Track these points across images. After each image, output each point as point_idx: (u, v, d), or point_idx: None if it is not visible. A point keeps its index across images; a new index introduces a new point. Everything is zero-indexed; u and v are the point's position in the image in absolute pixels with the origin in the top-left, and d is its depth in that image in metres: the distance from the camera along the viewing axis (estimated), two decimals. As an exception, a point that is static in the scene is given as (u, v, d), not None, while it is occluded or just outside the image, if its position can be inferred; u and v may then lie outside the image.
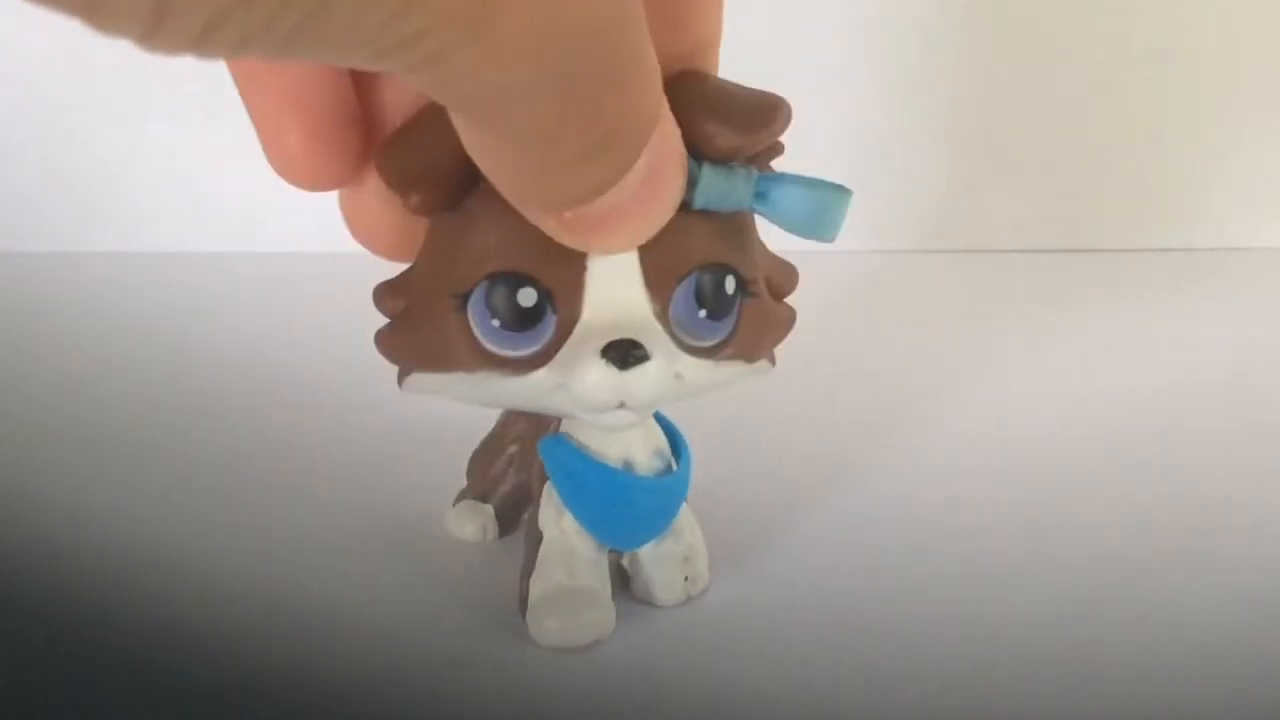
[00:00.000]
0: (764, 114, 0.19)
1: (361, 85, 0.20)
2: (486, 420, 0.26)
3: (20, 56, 0.53)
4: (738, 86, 0.19)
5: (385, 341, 0.20)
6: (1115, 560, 0.25)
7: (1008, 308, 0.45)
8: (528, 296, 0.19)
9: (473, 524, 0.25)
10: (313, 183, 0.20)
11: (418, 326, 0.20)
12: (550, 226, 0.18)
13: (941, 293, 0.48)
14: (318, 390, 0.35)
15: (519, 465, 0.25)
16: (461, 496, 0.26)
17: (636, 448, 0.21)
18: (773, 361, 0.21)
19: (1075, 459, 0.30)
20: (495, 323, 0.19)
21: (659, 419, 0.22)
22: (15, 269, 0.51)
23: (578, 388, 0.18)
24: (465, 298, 0.19)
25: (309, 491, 0.28)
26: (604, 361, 0.18)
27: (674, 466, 0.22)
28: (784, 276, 0.21)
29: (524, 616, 0.21)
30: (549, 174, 0.16)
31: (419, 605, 0.23)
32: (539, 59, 0.14)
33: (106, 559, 0.25)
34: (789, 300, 0.21)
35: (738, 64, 0.20)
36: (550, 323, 0.19)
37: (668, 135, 0.18)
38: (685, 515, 0.23)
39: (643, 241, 0.18)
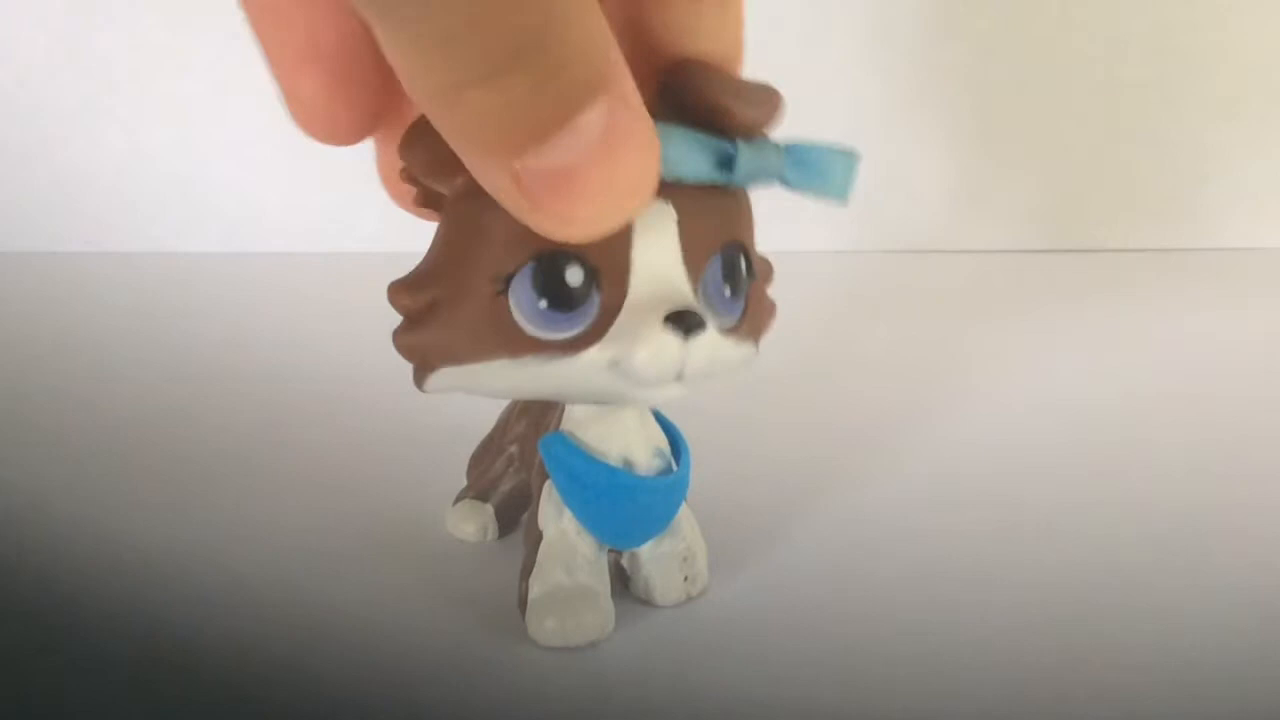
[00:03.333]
0: (769, 93, 0.19)
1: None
2: (485, 420, 0.26)
3: (21, 57, 0.53)
4: (733, 74, 0.20)
5: (408, 339, 0.20)
6: (1114, 562, 0.25)
7: (1006, 308, 0.45)
8: (575, 275, 0.18)
9: (472, 524, 0.25)
10: (330, 133, 0.20)
11: (449, 318, 0.19)
12: (506, 190, 0.17)
13: (940, 293, 0.48)
14: (317, 390, 0.35)
15: (519, 465, 0.25)
16: (461, 496, 0.26)
17: (636, 447, 0.21)
18: (758, 349, 0.22)
19: (1074, 460, 0.30)
20: (543, 303, 0.18)
21: (658, 419, 0.22)
22: (16, 269, 0.51)
23: (640, 358, 0.18)
24: (507, 282, 0.18)
25: (308, 491, 0.28)
26: (667, 330, 0.18)
27: (674, 466, 0.22)
28: (766, 267, 0.22)
29: (523, 616, 0.21)
30: (461, 88, 0.16)
31: (417, 605, 0.23)
32: None
33: (106, 559, 0.25)
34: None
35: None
36: (595, 301, 0.19)
37: (629, 103, 0.17)
38: (685, 515, 0.23)
39: (616, 222, 0.17)
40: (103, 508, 0.27)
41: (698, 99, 0.19)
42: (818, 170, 0.20)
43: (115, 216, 0.54)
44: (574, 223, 0.17)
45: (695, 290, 0.19)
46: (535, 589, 0.21)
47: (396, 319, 0.20)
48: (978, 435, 0.32)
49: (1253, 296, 0.47)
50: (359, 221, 0.51)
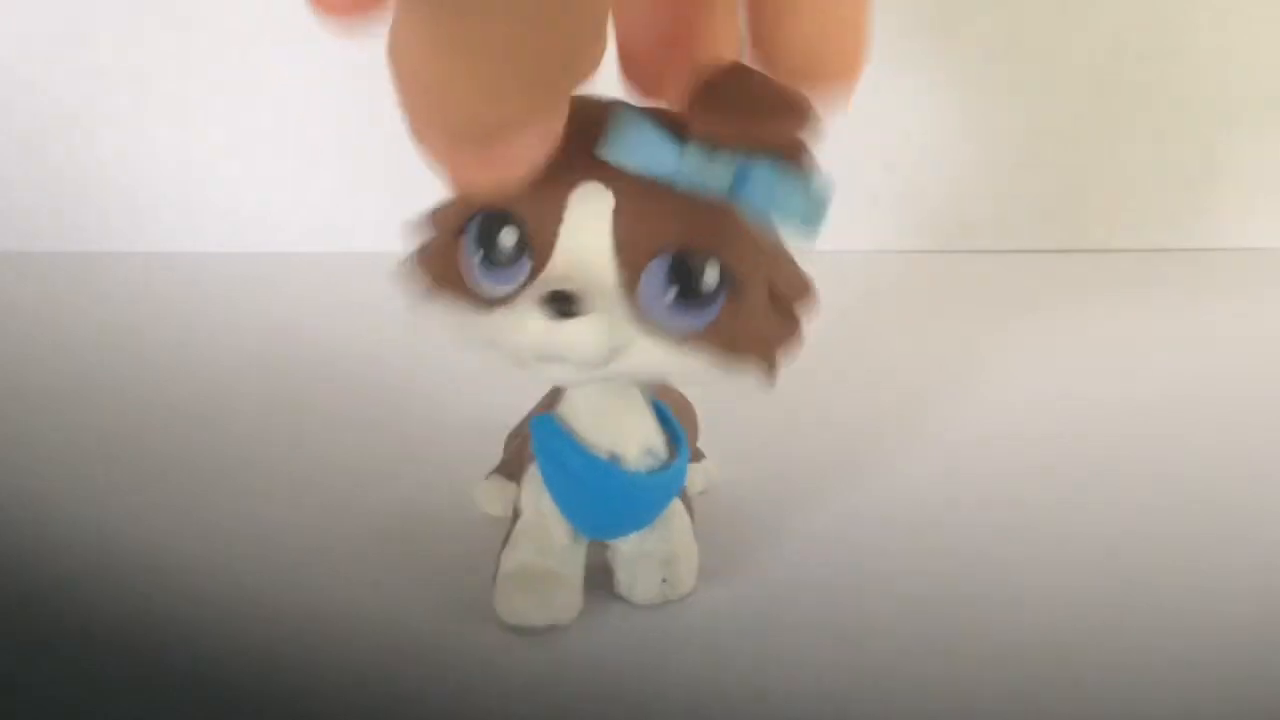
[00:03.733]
0: (770, 108, 0.19)
1: None
2: (485, 420, 0.26)
3: (21, 58, 0.53)
4: (769, 81, 0.19)
5: (409, 264, 0.21)
6: (1117, 562, 0.25)
7: (1010, 309, 0.45)
8: (508, 237, 0.19)
9: (497, 500, 0.25)
10: (342, 5, 0.20)
11: (430, 254, 0.21)
12: (434, 160, 0.18)
13: (944, 294, 0.48)
14: (317, 390, 0.35)
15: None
16: (493, 472, 0.26)
17: (627, 441, 0.21)
18: (770, 378, 0.21)
19: (1078, 460, 0.30)
20: (478, 256, 0.20)
21: (662, 416, 0.22)
22: (15, 269, 0.51)
23: (518, 331, 0.19)
24: (462, 229, 0.20)
25: (310, 491, 0.28)
26: (540, 308, 0.18)
27: (668, 464, 0.22)
28: (792, 287, 0.21)
29: (493, 594, 0.22)
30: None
31: (415, 605, 0.23)
32: None
33: (106, 557, 0.25)
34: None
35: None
36: (524, 268, 0.19)
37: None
38: (677, 518, 0.23)
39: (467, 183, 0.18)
40: (103, 506, 0.27)
41: (693, 95, 0.18)
42: (770, 200, 0.18)
43: (114, 217, 0.54)
44: (481, 187, 0.18)
45: (632, 285, 0.19)
46: (505, 565, 0.22)
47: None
48: (981, 436, 0.32)
49: (1259, 297, 0.47)
50: (360, 222, 0.51)
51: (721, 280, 0.19)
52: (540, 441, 0.21)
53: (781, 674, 0.21)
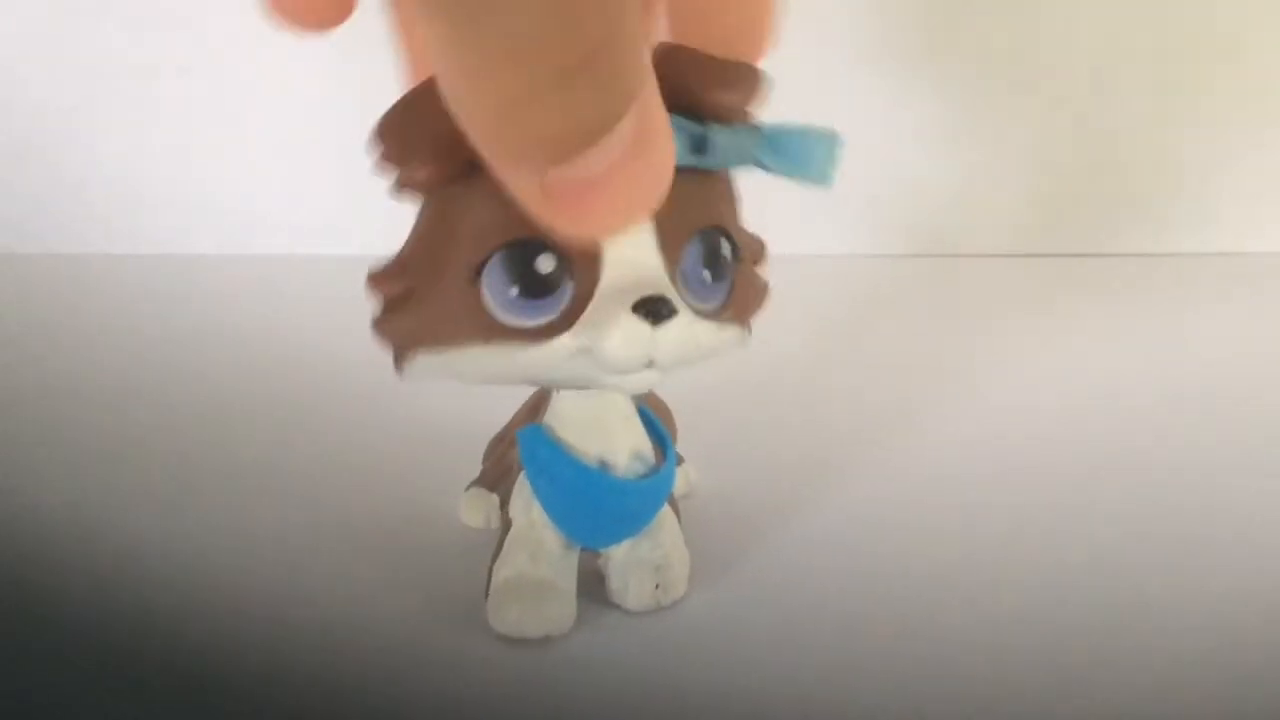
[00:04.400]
0: (753, 75, 0.19)
1: None
2: (483, 420, 0.26)
3: (22, 59, 0.53)
4: (711, 55, 0.20)
5: (386, 326, 0.20)
6: (1110, 566, 0.25)
7: (1004, 312, 0.45)
8: (546, 262, 0.18)
9: (479, 511, 0.25)
10: (305, 19, 0.20)
11: (424, 305, 0.19)
12: (532, 195, 0.17)
13: (938, 297, 0.48)
14: (317, 392, 0.35)
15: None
16: (473, 484, 0.26)
17: (616, 448, 0.21)
18: (750, 332, 0.22)
19: (1071, 465, 0.30)
20: (513, 292, 0.18)
21: (645, 420, 0.22)
22: (17, 270, 0.51)
23: (609, 345, 0.18)
24: (479, 270, 0.19)
25: (308, 492, 0.28)
26: (636, 317, 0.18)
27: (656, 469, 0.22)
28: (755, 245, 0.21)
29: (486, 605, 0.21)
30: (527, 99, 0.16)
31: (414, 604, 0.23)
32: None
33: (105, 557, 0.25)
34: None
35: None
36: (568, 289, 0.19)
37: (654, 105, 0.17)
38: (667, 523, 0.22)
39: (631, 222, 0.18)
40: (103, 507, 0.27)
41: (673, 83, 0.18)
42: (796, 154, 0.19)
43: (113, 219, 0.54)
44: (590, 225, 0.17)
45: (672, 275, 0.19)
46: (498, 575, 0.21)
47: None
48: (975, 439, 0.32)
49: (1253, 300, 0.47)
50: (359, 224, 0.51)
51: (731, 249, 0.20)
52: (529, 452, 0.21)
53: (776, 677, 0.21)
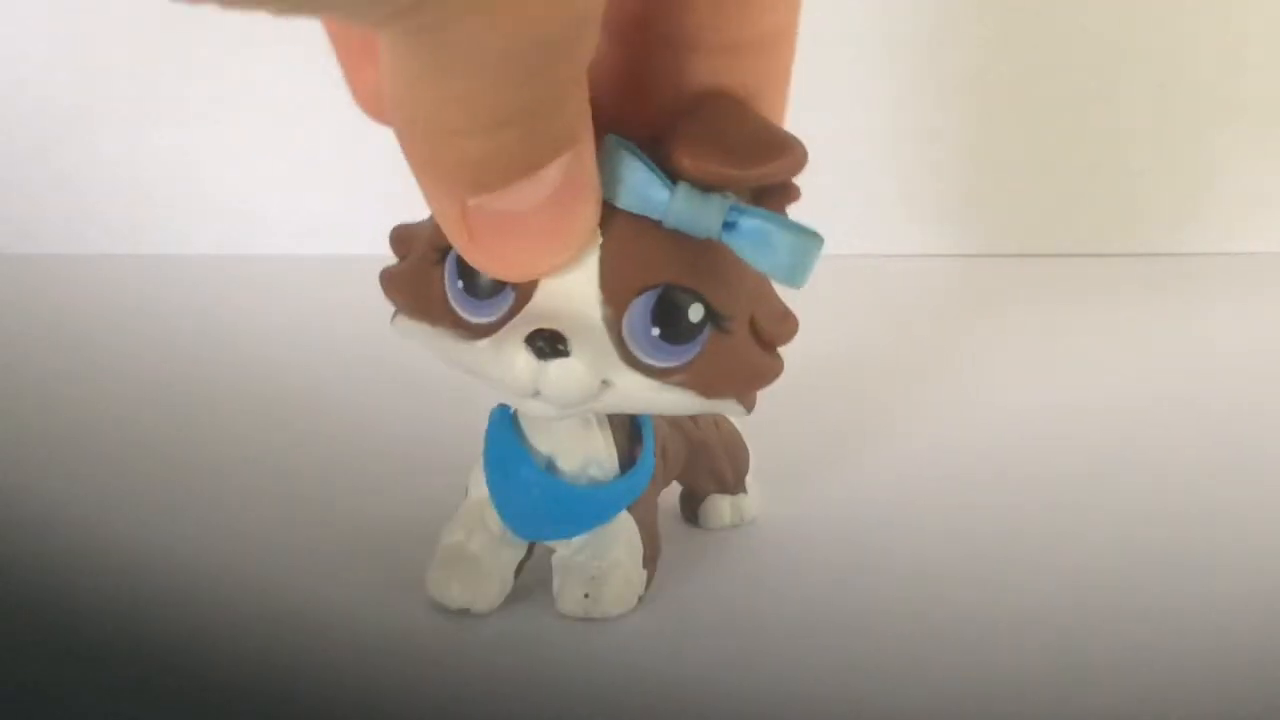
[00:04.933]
0: (764, 150, 0.19)
1: None
2: (485, 420, 0.26)
3: (22, 59, 0.53)
4: (759, 119, 0.19)
5: (385, 281, 0.21)
6: (1117, 564, 0.25)
7: (1009, 312, 0.45)
8: None
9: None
10: (386, 118, 0.20)
11: (410, 272, 0.20)
12: (452, 218, 0.18)
13: (943, 298, 0.48)
14: (317, 391, 0.35)
15: None
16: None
17: (566, 453, 0.21)
18: (748, 407, 0.21)
19: (1077, 463, 0.30)
20: (460, 284, 0.19)
21: (640, 428, 0.22)
22: (17, 271, 0.51)
23: (501, 366, 0.19)
24: (444, 254, 0.20)
25: (307, 492, 0.28)
26: (526, 347, 0.18)
27: (613, 479, 0.21)
28: (777, 325, 0.21)
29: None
30: (463, 133, 0.16)
31: (416, 605, 0.23)
32: (533, 27, 0.15)
33: (105, 558, 0.25)
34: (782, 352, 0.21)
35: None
36: (509, 298, 0.19)
37: (585, 160, 0.18)
38: (623, 537, 0.22)
39: (545, 269, 0.18)
40: (102, 508, 0.27)
41: (678, 134, 0.18)
42: (764, 246, 0.18)
43: (114, 219, 0.54)
44: (509, 263, 0.18)
45: (618, 320, 0.19)
46: (439, 542, 0.22)
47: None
48: (979, 439, 0.32)
49: (1257, 301, 0.47)
50: (359, 224, 0.51)
51: (705, 317, 0.19)
52: (491, 431, 0.22)
53: (783, 673, 0.21)
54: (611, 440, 0.22)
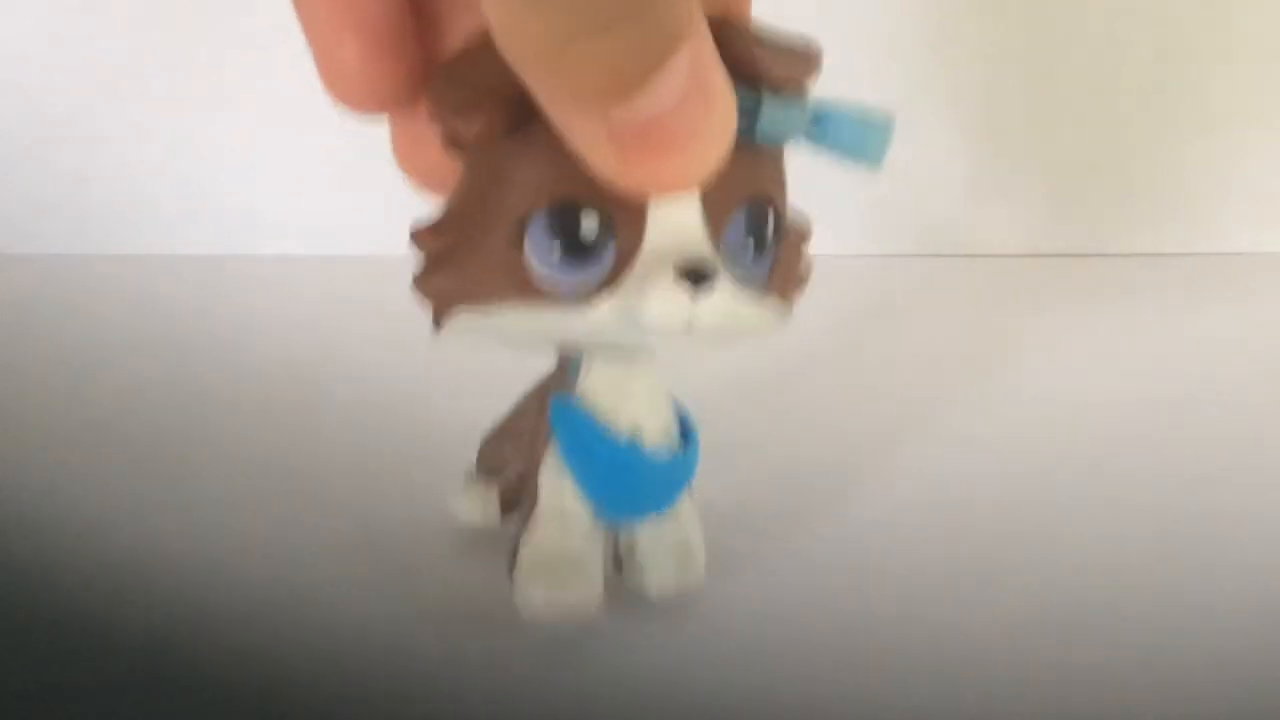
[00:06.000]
0: (805, 48, 0.19)
1: (427, 14, 0.19)
2: (483, 420, 0.26)
3: (22, 59, 0.53)
4: (766, 31, 0.19)
5: (426, 283, 0.20)
6: (1121, 567, 0.25)
7: (1011, 313, 0.45)
8: (590, 224, 0.18)
9: (475, 505, 0.25)
10: (366, 101, 0.20)
11: (466, 262, 0.19)
12: (597, 144, 0.17)
13: (945, 298, 0.48)
14: (317, 391, 0.35)
15: (528, 455, 0.25)
16: (468, 477, 0.26)
17: (647, 422, 0.21)
18: (792, 310, 0.21)
19: (1080, 465, 0.30)
20: (556, 252, 0.18)
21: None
22: (17, 270, 0.51)
23: (650, 308, 0.18)
24: (522, 227, 0.18)
25: (309, 493, 0.28)
26: (677, 283, 0.18)
27: (683, 447, 0.22)
28: (803, 226, 0.21)
29: (511, 578, 0.21)
30: (575, 38, 0.16)
31: (416, 605, 0.23)
32: None
33: (106, 558, 0.25)
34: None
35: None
36: (610, 251, 0.18)
37: (707, 49, 0.17)
38: (687, 508, 0.22)
39: (700, 175, 0.18)
40: (102, 508, 0.27)
41: (727, 52, 0.18)
42: (848, 135, 0.19)
43: (114, 218, 0.54)
44: (662, 175, 0.17)
45: (716, 244, 0.19)
46: (525, 548, 0.21)
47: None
48: (983, 439, 0.32)
49: (1259, 301, 0.47)
50: (360, 224, 0.51)
51: (775, 223, 0.20)
52: (563, 420, 0.21)
53: (789, 673, 0.21)
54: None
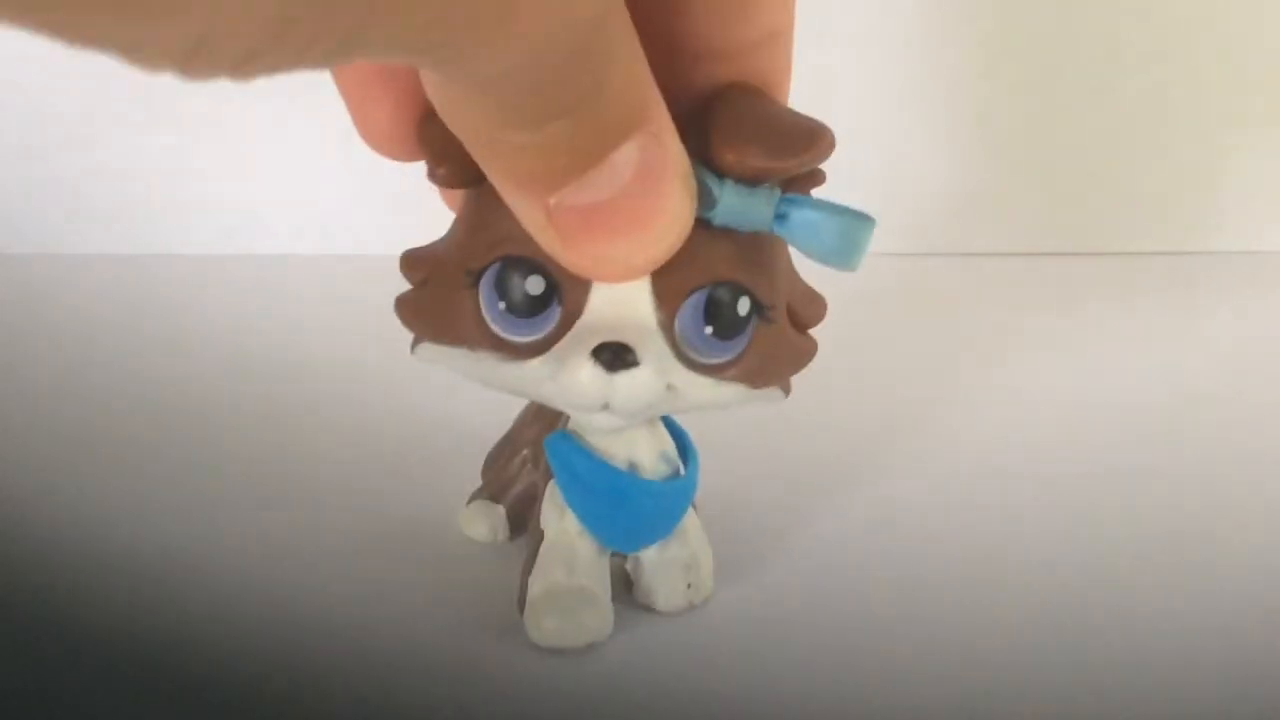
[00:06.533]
0: (801, 139, 0.19)
1: None
2: (493, 423, 0.26)
3: (21, 61, 0.53)
4: (783, 108, 0.19)
5: (403, 308, 0.20)
6: (1124, 566, 0.25)
7: (1013, 312, 0.45)
8: (536, 284, 0.19)
9: (484, 524, 0.25)
10: (399, 152, 0.20)
11: (433, 297, 0.20)
12: (540, 224, 0.17)
13: (946, 297, 0.48)
14: (321, 392, 0.35)
15: (531, 467, 0.25)
16: (475, 496, 0.26)
17: (642, 450, 0.21)
18: (786, 391, 0.21)
19: (1083, 464, 0.30)
20: (502, 305, 0.19)
21: (667, 423, 0.22)
22: (17, 270, 0.51)
23: (565, 383, 0.19)
24: (478, 276, 0.19)
25: (311, 494, 0.28)
26: (593, 361, 0.18)
27: (681, 471, 0.22)
28: (810, 307, 0.21)
29: (522, 616, 0.21)
30: (514, 130, 0.16)
31: (421, 606, 0.23)
32: (545, 42, 0.15)
33: (107, 560, 0.25)
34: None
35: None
36: (555, 314, 0.19)
37: (664, 139, 0.17)
38: (691, 522, 0.23)
39: (646, 262, 0.18)
40: (104, 509, 0.27)
41: (711, 129, 0.18)
42: (817, 233, 0.19)
43: (114, 218, 0.54)
44: (605, 262, 0.18)
45: (670, 322, 0.19)
46: (534, 588, 0.21)
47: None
48: (986, 439, 0.32)
49: (1259, 300, 0.47)
50: (359, 225, 0.51)
51: (751, 309, 0.19)
52: (560, 458, 0.21)
53: (799, 677, 0.21)
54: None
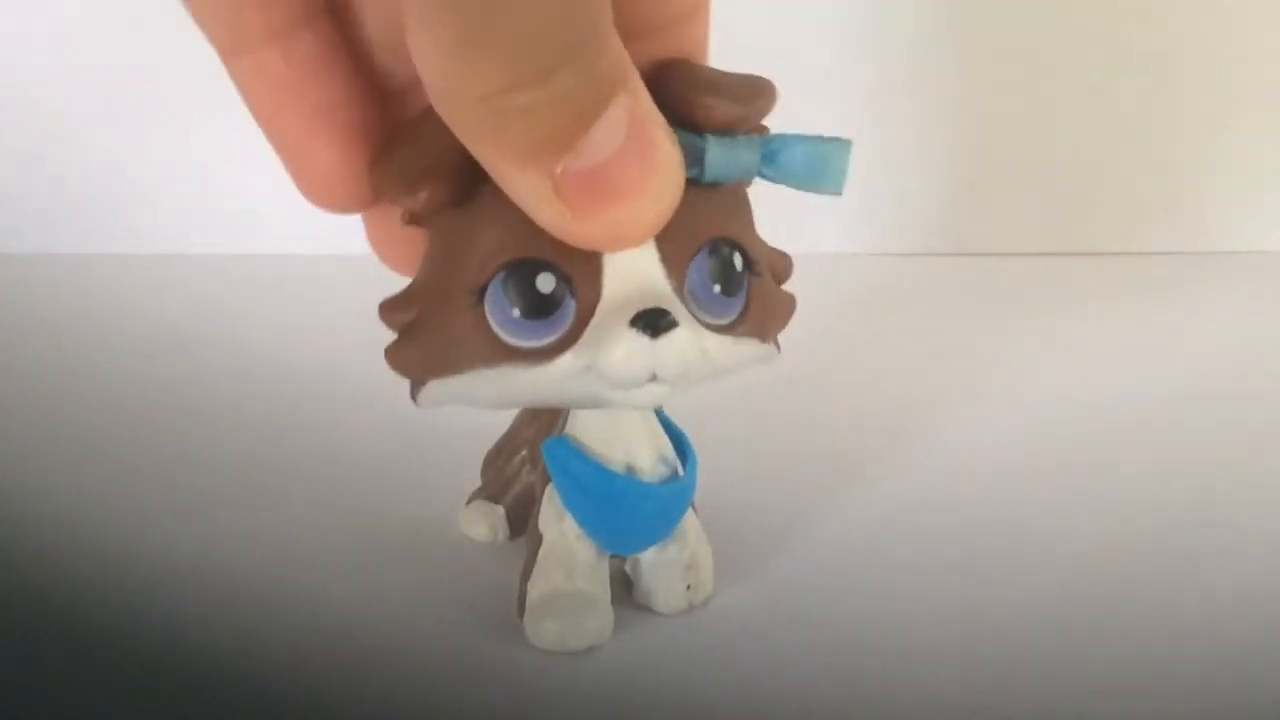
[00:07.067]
0: (757, 85, 0.19)
1: (391, 103, 0.20)
2: (492, 422, 0.26)
3: (21, 59, 0.53)
4: (718, 70, 0.20)
5: (397, 355, 0.20)
6: (1124, 565, 0.25)
7: (1009, 311, 0.45)
8: (546, 282, 0.18)
9: (484, 524, 0.25)
10: (344, 205, 0.20)
11: (430, 332, 0.19)
12: (545, 199, 0.17)
13: (943, 296, 0.48)
14: (321, 392, 0.35)
15: (530, 467, 0.25)
16: (474, 497, 0.26)
17: (640, 452, 0.21)
18: (779, 348, 0.21)
19: (1083, 464, 0.30)
20: (515, 312, 0.18)
21: (664, 423, 0.22)
22: (17, 270, 0.51)
23: (610, 361, 0.18)
24: (481, 293, 0.19)
25: (310, 494, 0.28)
26: (634, 331, 0.18)
27: (680, 472, 0.22)
28: (781, 263, 0.21)
29: (521, 619, 0.21)
30: (513, 91, 0.16)
31: (420, 607, 0.23)
32: None
33: (106, 562, 0.25)
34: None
35: (733, 65, 0.20)
36: (570, 307, 0.19)
37: (642, 95, 0.17)
38: (691, 523, 0.23)
39: (650, 224, 0.18)
40: (102, 508, 0.27)
41: (672, 94, 0.19)
42: (801, 165, 0.19)
43: (114, 218, 0.54)
44: (617, 225, 0.17)
45: (679, 290, 0.19)
46: (534, 592, 0.21)
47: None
48: (983, 439, 0.32)
49: (1255, 300, 0.47)
50: (359, 224, 0.51)
51: (744, 263, 0.20)
52: (557, 462, 0.21)
53: (799, 677, 0.21)
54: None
